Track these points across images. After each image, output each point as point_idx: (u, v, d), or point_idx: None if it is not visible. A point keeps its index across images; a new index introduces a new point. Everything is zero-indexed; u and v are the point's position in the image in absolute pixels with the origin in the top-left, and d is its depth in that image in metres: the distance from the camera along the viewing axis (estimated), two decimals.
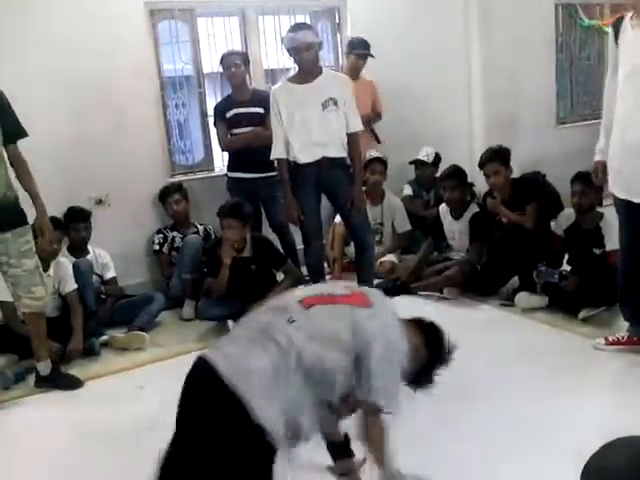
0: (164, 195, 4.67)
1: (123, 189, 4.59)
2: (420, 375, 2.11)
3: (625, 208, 3.14)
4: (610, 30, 3.18)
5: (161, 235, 4.67)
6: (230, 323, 3.98)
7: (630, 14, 3.01)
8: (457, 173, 4.53)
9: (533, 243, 4.06)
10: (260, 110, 4.44)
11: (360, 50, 5.03)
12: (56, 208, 4.06)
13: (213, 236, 4.67)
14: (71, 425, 2.99)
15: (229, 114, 4.53)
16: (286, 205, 3.86)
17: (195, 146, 5.12)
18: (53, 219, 3.87)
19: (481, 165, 4.33)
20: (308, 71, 3.69)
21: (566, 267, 4.03)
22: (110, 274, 4.33)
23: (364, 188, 4.24)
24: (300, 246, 4.21)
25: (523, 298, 4.00)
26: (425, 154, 5.31)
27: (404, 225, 5.06)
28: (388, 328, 1.88)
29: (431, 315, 4.24)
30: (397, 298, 4.36)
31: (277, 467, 1.69)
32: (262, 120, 4.41)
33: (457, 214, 4.53)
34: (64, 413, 3.12)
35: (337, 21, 5.46)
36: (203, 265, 4.34)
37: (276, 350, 1.69)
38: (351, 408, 1.96)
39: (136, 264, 4.70)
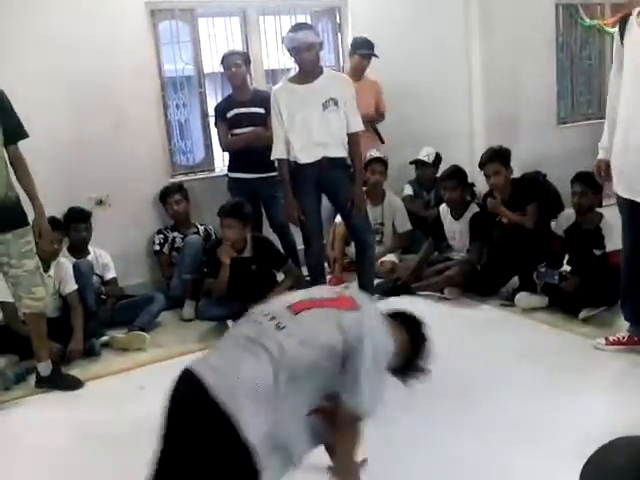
0: (165, 195, 4.67)
1: (123, 189, 4.59)
2: (406, 369, 2.12)
3: (628, 207, 3.13)
4: (616, 28, 3.15)
5: (161, 235, 4.67)
6: (230, 323, 3.98)
7: (637, 11, 2.99)
8: (457, 173, 4.53)
9: (533, 243, 4.05)
10: (261, 110, 4.44)
11: (364, 50, 5.03)
12: (56, 208, 4.07)
13: (214, 236, 4.67)
14: (71, 425, 2.99)
15: (230, 114, 4.53)
16: (286, 205, 3.86)
17: (196, 146, 5.12)
18: (53, 219, 3.88)
19: (481, 165, 4.33)
20: (309, 71, 3.69)
21: (566, 267, 4.03)
22: (110, 274, 4.34)
23: (364, 188, 4.24)
24: (300, 246, 4.21)
25: (523, 298, 4.00)
26: (425, 154, 5.31)
27: (404, 225, 5.06)
28: (374, 330, 1.86)
29: (431, 315, 4.24)
30: (397, 298, 4.37)
31: None
32: (263, 120, 4.41)
33: (457, 214, 4.53)
34: (64, 413, 3.12)
35: (338, 21, 5.46)
36: (203, 265, 4.34)
37: (267, 358, 1.64)
38: (330, 411, 1.94)
39: (136, 264, 4.70)
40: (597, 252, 3.81)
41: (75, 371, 3.57)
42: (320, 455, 2.10)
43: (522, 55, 5.96)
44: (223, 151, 4.84)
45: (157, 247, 4.66)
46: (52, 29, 4.25)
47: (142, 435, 2.69)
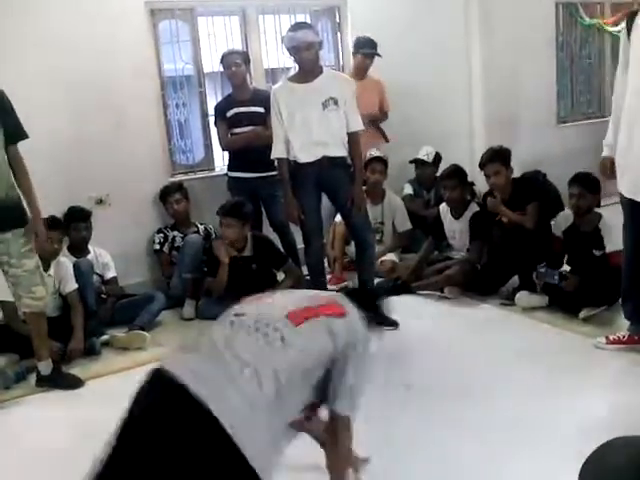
0: (165, 195, 4.67)
1: (123, 189, 4.59)
2: None
3: (630, 207, 3.13)
4: (623, 25, 3.14)
5: (161, 235, 4.67)
6: None
7: None
8: (457, 173, 4.53)
9: (533, 243, 4.05)
10: (260, 109, 4.44)
11: (367, 49, 5.04)
12: (56, 208, 4.07)
13: (214, 236, 4.67)
14: (72, 424, 2.99)
15: (229, 113, 4.53)
16: (286, 204, 3.86)
17: (195, 146, 5.12)
18: (53, 219, 3.89)
19: (482, 165, 4.33)
20: (308, 70, 3.69)
21: (566, 267, 4.03)
22: (111, 274, 4.34)
23: (364, 187, 4.23)
24: (301, 245, 4.21)
25: (523, 297, 4.00)
26: (425, 153, 5.31)
27: (404, 224, 5.06)
28: (358, 334, 1.88)
29: (431, 314, 4.28)
30: (397, 297, 4.37)
31: None
32: (262, 119, 4.41)
33: (457, 213, 4.53)
34: (65, 413, 3.12)
35: (337, 20, 5.46)
36: (203, 265, 4.34)
37: (272, 374, 1.56)
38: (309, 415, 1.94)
39: (137, 264, 4.70)
40: (597, 253, 3.81)
41: (75, 370, 3.57)
42: (316, 456, 2.10)
43: (522, 54, 5.96)
44: (223, 150, 4.84)
45: (157, 246, 4.66)
46: (52, 29, 4.25)
47: None
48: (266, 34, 5.18)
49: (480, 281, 4.29)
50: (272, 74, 5.29)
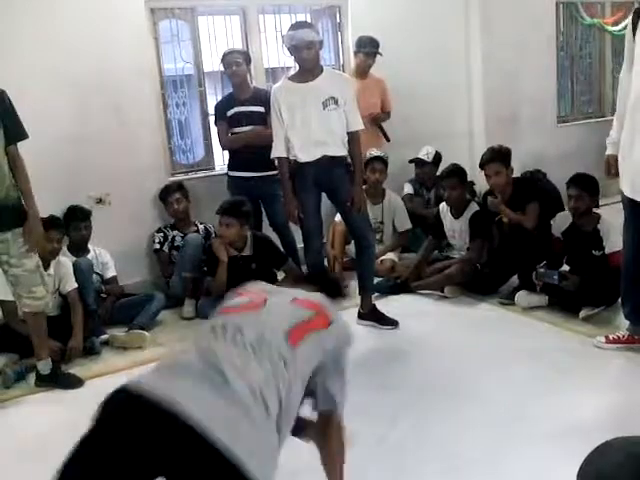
0: (165, 194, 4.67)
1: (123, 188, 4.59)
2: None
3: (631, 207, 3.12)
4: (627, 22, 3.13)
5: (161, 234, 4.67)
6: None
7: None
8: (457, 172, 4.53)
9: (533, 243, 4.05)
10: (261, 109, 4.44)
11: (368, 48, 5.03)
12: (56, 207, 4.07)
13: (214, 235, 4.67)
14: (72, 424, 2.97)
15: (230, 113, 4.53)
16: (286, 204, 3.85)
17: (196, 145, 5.12)
18: (53, 218, 3.89)
19: (482, 165, 4.33)
20: (308, 70, 3.68)
21: (565, 267, 4.02)
22: (110, 273, 4.34)
23: (365, 187, 4.23)
24: (300, 245, 4.21)
25: (523, 297, 4.00)
26: (425, 153, 5.31)
27: (404, 224, 5.06)
28: (343, 338, 1.88)
29: (431, 314, 4.28)
30: (397, 297, 4.38)
31: None
32: (263, 119, 4.41)
33: (457, 213, 4.53)
34: (64, 412, 3.12)
35: (338, 20, 5.46)
36: (203, 264, 4.34)
37: (276, 397, 1.51)
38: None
39: (136, 263, 4.70)
40: (596, 253, 3.80)
41: (75, 369, 3.58)
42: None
43: (522, 54, 5.96)
44: (223, 150, 4.84)
45: (157, 246, 4.65)
46: (52, 28, 4.24)
47: None
48: (266, 33, 5.18)
49: (480, 280, 4.30)
50: (272, 73, 5.29)
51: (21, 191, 3.17)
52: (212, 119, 4.81)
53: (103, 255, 4.33)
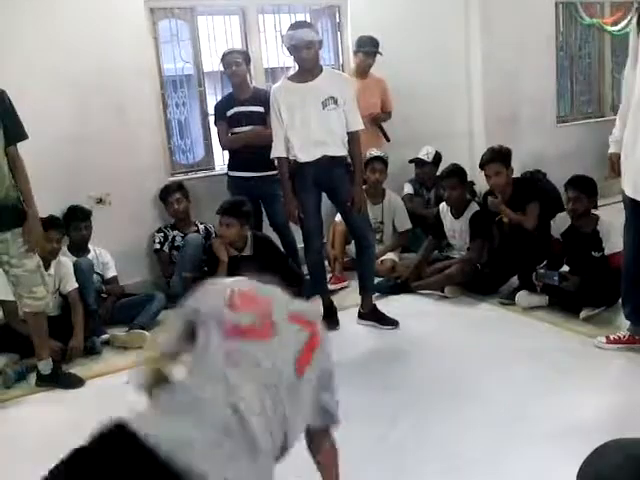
0: (165, 194, 4.67)
1: (123, 188, 4.59)
2: None
3: (632, 206, 3.12)
4: (634, 20, 3.12)
5: (162, 234, 4.67)
6: None
7: None
8: (457, 172, 4.53)
9: (533, 243, 4.06)
10: (260, 109, 4.44)
11: (368, 48, 5.03)
12: (56, 207, 4.07)
13: (214, 235, 4.67)
14: (72, 424, 2.98)
15: (230, 113, 4.53)
16: (286, 204, 3.86)
17: (195, 145, 5.12)
18: (53, 218, 3.89)
19: (482, 166, 4.32)
20: (308, 69, 3.68)
21: (565, 268, 4.03)
22: (111, 273, 4.34)
23: (365, 187, 4.23)
24: (301, 245, 4.21)
25: (523, 297, 4.00)
26: (425, 153, 5.31)
27: (405, 224, 5.06)
28: (330, 354, 1.83)
29: (432, 314, 4.28)
30: (398, 297, 4.38)
31: None
32: (262, 119, 4.41)
33: (457, 213, 4.53)
34: (65, 412, 3.13)
35: (338, 20, 5.46)
36: (203, 264, 4.34)
37: (283, 433, 1.50)
38: None
39: (137, 263, 4.70)
40: (595, 254, 3.80)
41: (76, 369, 3.58)
42: None
43: (522, 54, 5.96)
44: (223, 150, 4.84)
45: (157, 246, 4.65)
46: (52, 28, 4.24)
47: None
48: (266, 33, 5.18)
49: (480, 281, 4.30)
50: (272, 73, 5.29)
51: (21, 191, 3.17)
52: (212, 119, 4.81)
53: (103, 255, 4.34)
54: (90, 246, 4.29)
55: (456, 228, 4.56)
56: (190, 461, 1.26)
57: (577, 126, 6.76)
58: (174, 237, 4.65)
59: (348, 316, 4.02)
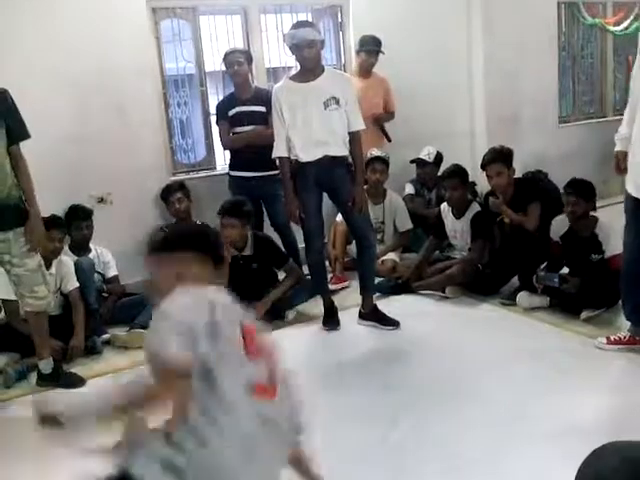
0: (166, 194, 4.67)
1: (125, 187, 4.59)
2: None
3: (634, 205, 3.11)
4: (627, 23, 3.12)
5: None
6: None
7: None
8: (459, 172, 4.52)
9: (535, 243, 4.05)
10: (262, 109, 4.44)
11: (370, 47, 5.03)
12: (58, 206, 4.08)
13: None
14: None
15: (231, 112, 4.53)
16: (288, 203, 3.86)
17: (197, 145, 5.12)
18: (54, 217, 3.89)
19: (484, 166, 4.32)
20: (310, 69, 3.69)
21: (566, 269, 4.02)
22: (112, 272, 4.35)
23: (365, 187, 4.23)
24: (302, 245, 4.21)
25: (524, 298, 4.00)
26: (426, 153, 5.31)
27: (406, 224, 5.06)
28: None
29: (433, 314, 4.28)
30: (399, 297, 4.38)
31: None
32: (264, 119, 4.41)
33: (459, 213, 4.53)
34: None
35: (339, 20, 5.46)
36: None
37: None
38: None
39: (138, 262, 4.66)
40: (595, 257, 3.79)
41: (76, 369, 3.58)
42: None
43: (524, 54, 5.95)
44: (224, 149, 4.85)
45: None
46: (53, 28, 4.25)
47: None
48: (268, 33, 5.18)
49: (481, 281, 4.30)
50: (274, 73, 5.29)
51: (23, 191, 3.18)
52: (213, 119, 4.81)
53: (105, 254, 4.34)
54: (91, 245, 4.29)
55: (457, 228, 4.56)
56: None
57: (579, 126, 6.76)
58: None
59: (349, 316, 4.03)
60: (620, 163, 3.21)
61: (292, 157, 3.77)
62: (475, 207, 4.49)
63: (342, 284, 4.65)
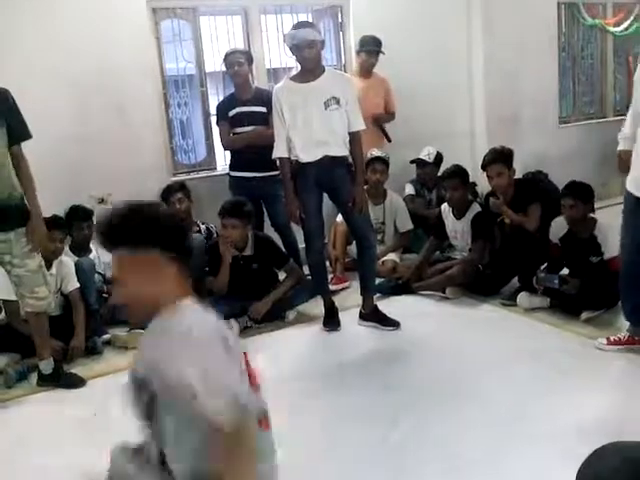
0: (167, 194, 4.66)
1: (125, 188, 4.57)
2: None
3: (633, 206, 3.11)
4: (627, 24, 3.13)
5: None
6: (232, 322, 3.98)
7: None
8: (459, 173, 4.52)
9: (535, 244, 4.05)
10: (263, 109, 4.44)
11: (370, 47, 5.04)
12: (58, 207, 4.08)
13: (215, 235, 4.67)
14: (74, 423, 2.99)
15: (232, 113, 4.53)
16: (288, 204, 3.86)
17: (197, 145, 5.13)
18: (55, 218, 3.89)
19: (484, 167, 4.32)
20: (310, 69, 3.69)
21: (565, 270, 4.02)
22: None
23: (366, 187, 4.24)
24: (302, 245, 4.22)
25: (525, 298, 4.00)
26: (427, 153, 5.31)
27: (406, 224, 5.06)
28: None
29: (433, 315, 4.28)
30: (399, 298, 4.38)
31: None
32: (264, 119, 4.41)
33: (459, 214, 4.53)
34: (67, 411, 3.13)
35: (340, 20, 5.46)
36: (205, 264, 4.34)
37: None
38: None
39: None
40: (594, 259, 3.79)
41: (77, 369, 3.58)
42: None
43: (524, 54, 5.95)
44: (225, 150, 4.85)
45: None
46: (53, 28, 4.25)
47: None
48: (268, 33, 5.18)
49: (482, 281, 4.30)
50: (274, 74, 5.29)
51: (25, 191, 3.18)
52: (214, 119, 4.81)
53: (105, 255, 4.33)
54: (92, 246, 4.29)
55: (458, 229, 4.56)
56: None
57: (579, 127, 6.76)
58: None
59: (349, 317, 4.03)
60: (622, 162, 3.21)
61: (292, 157, 3.77)
62: (475, 208, 4.49)
63: (342, 284, 4.65)
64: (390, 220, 5.05)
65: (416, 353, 3.54)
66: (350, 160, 3.84)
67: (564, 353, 3.35)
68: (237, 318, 4.02)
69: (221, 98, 4.90)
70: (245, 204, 4.09)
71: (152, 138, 4.71)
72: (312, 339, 3.89)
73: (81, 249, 4.23)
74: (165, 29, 4.82)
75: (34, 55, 4.18)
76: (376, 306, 3.98)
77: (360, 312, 3.99)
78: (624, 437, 1.40)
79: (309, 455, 1.99)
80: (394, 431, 2.70)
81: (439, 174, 5.06)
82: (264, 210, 4.64)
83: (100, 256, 4.30)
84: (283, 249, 4.44)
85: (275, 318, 4.10)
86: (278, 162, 3.88)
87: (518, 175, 4.50)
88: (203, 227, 4.74)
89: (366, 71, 5.14)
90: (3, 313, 3.81)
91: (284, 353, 3.68)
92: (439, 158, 5.31)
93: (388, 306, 4.07)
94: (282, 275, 4.34)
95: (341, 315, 4.01)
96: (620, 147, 3.25)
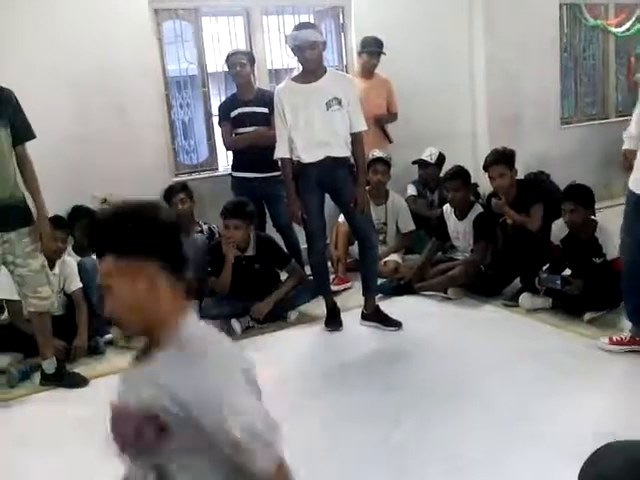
0: (169, 194, 4.66)
1: (127, 188, 4.53)
2: None
3: (635, 205, 3.11)
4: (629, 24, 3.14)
5: None
6: (234, 322, 3.99)
7: None
8: (461, 174, 4.52)
9: (537, 244, 4.05)
10: (264, 110, 4.45)
11: (372, 48, 5.04)
12: (60, 207, 4.08)
13: (217, 235, 4.68)
14: (76, 423, 3.00)
15: (234, 113, 4.54)
16: (289, 204, 3.86)
17: (199, 146, 5.13)
18: (57, 218, 3.90)
19: (486, 167, 4.32)
20: (311, 70, 3.69)
21: (568, 271, 4.02)
22: None
23: (367, 188, 4.24)
24: (304, 245, 4.22)
25: (527, 299, 3.99)
26: (429, 154, 5.31)
27: (408, 225, 5.06)
28: None
29: (435, 315, 4.28)
30: (401, 298, 4.38)
31: None
32: (266, 120, 4.41)
33: (461, 214, 4.53)
34: (69, 411, 3.13)
35: (341, 21, 5.47)
36: (207, 264, 4.35)
37: None
38: None
39: None
40: (596, 260, 3.78)
41: (80, 369, 3.59)
42: None
43: (525, 55, 5.95)
44: (227, 150, 4.85)
45: None
46: (53, 28, 4.26)
47: None
48: (270, 34, 5.19)
49: (484, 282, 4.30)
50: (276, 74, 5.30)
51: (30, 192, 3.18)
52: (216, 120, 4.82)
53: None
54: None
55: (460, 230, 4.56)
56: None
57: (581, 127, 6.75)
58: None
59: (351, 317, 4.03)
60: (627, 161, 3.20)
61: (294, 158, 3.78)
62: (477, 208, 4.49)
63: (344, 285, 4.65)
64: (392, 221, 5.05)
65: (418, 353, 3.54)
66: (352, 161, 3.84)
67: (566, 354, 3.35)
68: (239, 318, 4.03)
69: (223, 99, 4.91)
70: (247, 204, 4.10)
71: (154, 138, 4.72)
72: (314, 339, 3.90)
73: (84, 249, 4.23)
74: (167, 30, 4.84)
75: (34, 55, 4.19)
76: (378, 306, 3.98)
77: (362, 312, 4.00)
78: (626, 437, 1.39)
79: (310, 455, 2.00)
80: (396, 431, 2.70)
81: (441, 175, 5.06)
82: (266, 211, 4.65)
83: None
84: (285, 249, 4.45)
85: (277, 318, 4.11)
86: (280, 163, 3.88)
87: (520, 176, 4.50)
88: (205, 227, 4.74)
89: (368, 72, 5.15)
90: (6, 313, 3.82)
91: (286, 353, 3.69)
92: (441, 159, 5.31)
93: (390, 306, 4.08)
94: (284, 275, 4.35)
95: (343, 315, 4.01)
96: (625, 146, 3.25)
